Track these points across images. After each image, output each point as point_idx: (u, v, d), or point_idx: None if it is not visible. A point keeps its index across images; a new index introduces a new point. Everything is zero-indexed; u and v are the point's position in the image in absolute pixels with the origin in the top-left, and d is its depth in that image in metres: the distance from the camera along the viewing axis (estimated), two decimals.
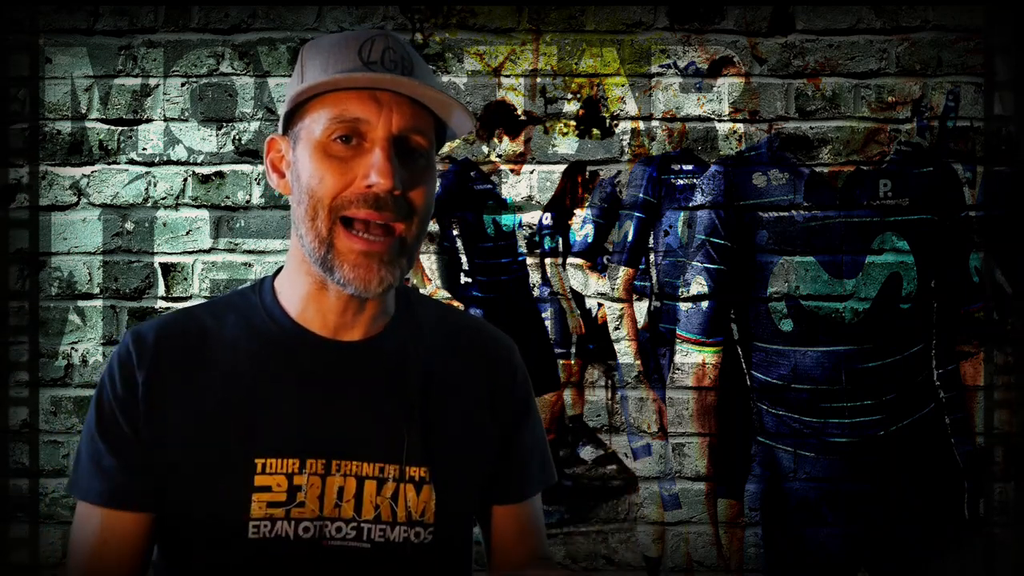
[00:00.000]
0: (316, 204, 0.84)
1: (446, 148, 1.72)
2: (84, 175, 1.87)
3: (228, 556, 0.84)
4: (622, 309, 2.12)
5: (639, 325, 2.13)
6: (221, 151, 1.88)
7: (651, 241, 2.12)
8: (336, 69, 0.84)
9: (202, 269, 1.87)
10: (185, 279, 1.87)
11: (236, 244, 1.88)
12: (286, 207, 1.87)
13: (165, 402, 0.86)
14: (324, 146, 0.84)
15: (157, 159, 1.88)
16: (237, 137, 1.88)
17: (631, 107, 1.94)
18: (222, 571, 0.85)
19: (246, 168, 1.88)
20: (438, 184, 0.91)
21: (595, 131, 1.96)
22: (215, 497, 0.84)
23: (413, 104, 0.85)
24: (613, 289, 2.12)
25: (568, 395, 2.22)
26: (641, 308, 2.15)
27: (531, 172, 2.03)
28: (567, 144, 1.98)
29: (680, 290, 1.74)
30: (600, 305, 2.19)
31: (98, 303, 1.87)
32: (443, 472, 0.90)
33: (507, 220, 2.23)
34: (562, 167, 2.01)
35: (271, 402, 0.87)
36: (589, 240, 2.14)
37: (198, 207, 1.88)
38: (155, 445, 0.85)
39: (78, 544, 0.87)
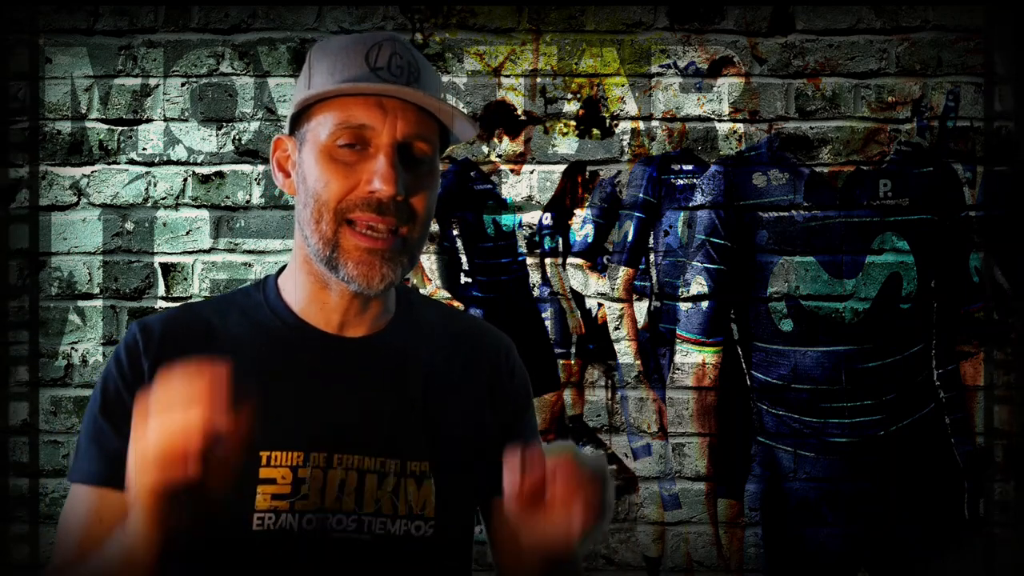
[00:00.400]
0: (321, 207, 0.85)
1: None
2: (84, 175, 1.88)
3: (231, 548, 0.84)
4: (622, 309, 2.12)
5: (639, 325, 2.13)
6: (221, 151, 1.88)
7: (651, 241, 2.12)
8: (343, 74, 0.86)
9: (202, 269, 1.87)
10: (185, 279, 1.88)
11: (236, 244, 1.88)
12: (286, 207, 1.87)
13: None
14: (329, 150, 0.86)
15: (157, 159, 1.88)
16: (237, 137, 1.88)
17: (631, 107, 1.94)
18: (225, 563, 0.85)
19: (246, 168, 1.88)
20: (438, 184, 0.92)
21: (595, 131, 1.96)
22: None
23: (418, 110, 0.87)
24: (613, 289, 2.12)
25: (568, 395, 2.22)
26: (641, 308, 2.15)
27: (531, 172, 2.03)
28: (567, 144, 1.98)
29: (680, 290, 1.74)
30: (600, 305, 2.19)
31: (98, 303, 1.87)
32: (444, 467, 0.91)
33: (507, 220, 2.23)
34: (562, 167, 2.01)
35: (275, 395, 0.87)
36: (589, 240, 2.14)
37: (198, 207, 1.88)
38: None
39: (70, 523, 0.85)
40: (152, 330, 0.89)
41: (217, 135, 1.88)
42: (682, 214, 2.02)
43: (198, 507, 0.73)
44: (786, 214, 1.65)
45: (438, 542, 0.90)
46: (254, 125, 1.88)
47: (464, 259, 2.26)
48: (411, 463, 0.89)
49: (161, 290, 1.87)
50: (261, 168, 1.88)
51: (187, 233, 1.88)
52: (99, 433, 0.86)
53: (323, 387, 0.89)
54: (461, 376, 0.96)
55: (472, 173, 2.18)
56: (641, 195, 2.08)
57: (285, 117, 1.88)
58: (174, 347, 0.88)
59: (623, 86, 1.93)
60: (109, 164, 1.88)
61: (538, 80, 1.94)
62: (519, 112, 1.99)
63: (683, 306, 1.73)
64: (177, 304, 1.85)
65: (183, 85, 1.88)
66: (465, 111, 1.84)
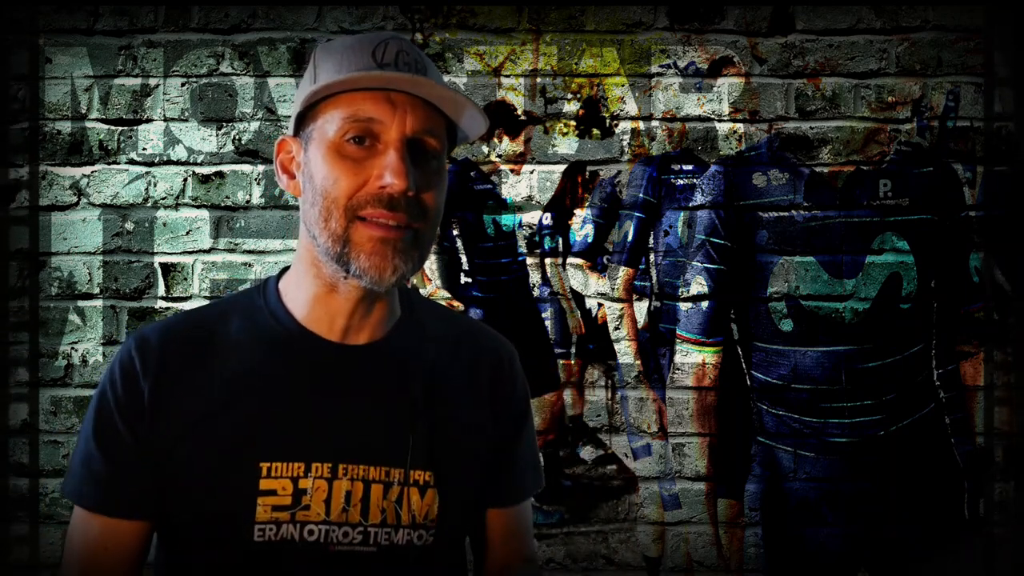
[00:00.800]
0: (331, 205, 0.84)
1: None
2: (84, 175, 1.87)
3: (232, 559, 0.84)
4: (622, 309, 2.12)
5: (639, 325, 2.13)
6: (221, 151, 1.88)
7: (651, 241, 2.12)
8: (350, 70, 0.84)
9: (202, 269, 1.87)
10: (185, 279, 1.87)
11: (236, 244, 1.88)
12: (286, 207, 1.87)
13: (171, 406, 0.86)
14: (338, 146, 0.84)
15: (157, 159, 1.88)
16: (237, 137, 1.88)
17: (631, 107, 1.94)
18: (225, 574, 0.85)
19: (246, 168, 1.88)
20: (447, 182, 0.91)
21: (595, 131, 1.96)
22: (220, 500, 0.84)
23: (426, 106, 0.86)
24: (613, 289, 2.12)
25: (568, 395, 2.22)
26: (641, 308, 2.15)
27: (531, 172, 2.03)
28: (567, 144, 1.98)
29: (680, 290, 1.74)
30: (600, 305, 2.19)
31: (98, 303, 1.87)
32: (446, 475, 0.90)
33: (507, 220, 2.23)
34: (562, 167, 2.01)
35: (276, 405, 0.87)
36: (589, 240, 2.14)
37: (198, 207, 1.88)
38: (160, 449, 0.85)
39: (74, 549, 0.87)
40: (149, 343, 0.87)
41: (217, 135, 1.88)
42: (682, 214, 2.02)
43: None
44: (786, 214, 1.65)
45: (438, 549, 0.89)
46: (254, 125, 1.88)
47: (464, 259, 2.26)
48: (414, 472, 0.88)
49: (161, 290, 1.87)
50: (261, 168, 1.88)
51: (187, 233, 1.88)
52: (88, 456, 0.86)
53: (326, 396, 0.88)
54: (463, 382, 0.96)
55: (472, 173, 2.18)
56: (641, 195, 2.08)
57: (285, 117, 1.88)
58: (173, 359, 0.87)
59: (623, 86, 1.93)
60: (109, 164, 1.88)
61: (538, 80, 1.94)
62: (519, 112, 1.99)
63: (683, 306, 1.73)
64: (177, 308, 1.85)
65: (183, 85, 1.88)
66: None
